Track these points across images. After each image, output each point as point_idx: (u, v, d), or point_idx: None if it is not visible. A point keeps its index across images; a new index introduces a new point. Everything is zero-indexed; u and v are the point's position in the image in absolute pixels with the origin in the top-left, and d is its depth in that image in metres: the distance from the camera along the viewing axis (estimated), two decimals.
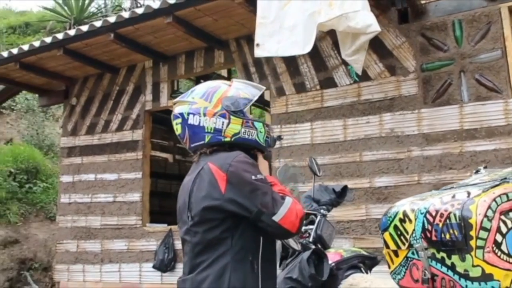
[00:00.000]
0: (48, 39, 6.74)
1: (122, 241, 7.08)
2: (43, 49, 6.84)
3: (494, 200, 1.97)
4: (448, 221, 2.03)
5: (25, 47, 6.96)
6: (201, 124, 2.22)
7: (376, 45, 5.67)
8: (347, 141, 5.74)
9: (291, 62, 6.15)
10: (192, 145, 2.27)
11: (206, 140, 2.22)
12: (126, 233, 7.08)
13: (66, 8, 16.95)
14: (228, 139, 2.22)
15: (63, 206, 7.79)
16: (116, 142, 7.45)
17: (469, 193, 2.07)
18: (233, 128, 2.22)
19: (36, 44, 6.87)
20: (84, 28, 6.43)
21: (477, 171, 2.44)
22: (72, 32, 6.54)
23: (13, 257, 9.71)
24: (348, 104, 5.79)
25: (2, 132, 14.30)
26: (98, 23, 6.34)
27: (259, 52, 4.96)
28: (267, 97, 6.71)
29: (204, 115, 2.22)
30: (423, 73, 5.44)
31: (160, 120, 9.71)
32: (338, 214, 5.25)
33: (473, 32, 5.27)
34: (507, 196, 1.98)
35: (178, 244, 6.54)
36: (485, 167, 2.47)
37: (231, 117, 2.23)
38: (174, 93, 7.40)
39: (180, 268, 6.42)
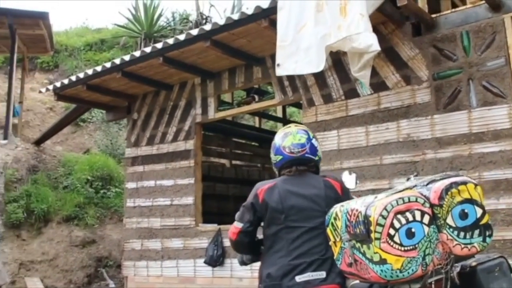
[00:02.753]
0: (108, 64, 7.73)
1: (178, 240, 7.95)
2: (104, 72, 7.85)
3: (390, 203, 2.51)
4: (358, 218, 2.61)
5: (90, 72, 7.98)
6: (317, 149, 3.41)
7: (393, 57, 6.22)
8: (369, 146, 6.31)
9: (319, 75, 6.75)
10: (306, 155, 3.33)
11: (316, 158, 3.38)
12: (182, 232, 7.94)
13: (137, 24, 18.09)
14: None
15: (129, 209, 8.78)
16: (172, 152, 8.33)
17: (376, 197, 2.66)
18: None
19: (98, 69, 7.87)
20: (137, 53, 7.35)
21: (408, 179, 3.00)
22: (127, 58, 7.47)
23: (91, 255, 10.86)
24: (369, 112, 6.36)
25: (83, 143, 15.66)
26: (148, 49, 7.23)
27: (279, 71, 5.65)
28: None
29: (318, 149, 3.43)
30: (435, 82, 5.93)
31: (218, 129, 10.57)
32: None
33: (479, 42, 5.72)
34: (403, 200, 2.52)
35: (226, 242, 7.32)
36: (415, 175, 3.01)
37: None
38: (220, 106, 8.17)
39: (228, 264, 7.27)
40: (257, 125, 12.84)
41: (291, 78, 7.04)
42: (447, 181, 2.60)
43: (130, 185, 8.84)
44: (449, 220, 2.55)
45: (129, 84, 8.44)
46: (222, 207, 10.24)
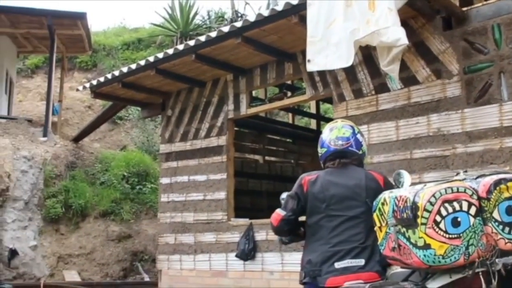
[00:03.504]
0: (142, 62, 7.91)
1: (211, 234, 8.08)
2: (139, 70, 8.03)
3: (439, 191, 2.61)
4: (406, 204, 2.71)
5: (125, 69, 8.17)
6: (362, 144, 3.53)
7: (424, 52, 6.20)
8: (399, 140, 6.31)
9: (350, 70, 6.77)
10: (350, 148, 3.46)
11: (360, 152, 3.51)
12: (214, 227, 8.07)
13: (173, 23, 18.35)
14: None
15: (163, 204, 8.96)
16: (205, 148, 8.46)
17: (425, 185, 2.76)
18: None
19: (133, 66, 8.07)
20: (170, 51, 7.50)
21: (457, 174, 3.04)
22: (160, 55, 7.63)
23: (126, 250, 11.11)
24: (400, 107, 6.35)
25: (119, 140, 15.98)
26: (180, 46, 7.37)
27: (310, 67, 5.70)
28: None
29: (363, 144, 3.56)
30: (465, 76, 5.89)
31: (251, 126, 10.67)
32: None
33: (511, 34, 5.66)
34: (452, 189, 2.61)
35: (257, 236, 7.43)
36: (465, 171, 3.08)
37: None
38: (252, 102, 8.26)
39: (259, 257, 7.35)
40: (290, 121, 12.91)
41: (322, 73, 7.08)
42: (496, 177, 2.69)
43: (164, 180, 9.01)
44: (495, 214, 2.63)
45: (163, 81, 8.60)
46: (255, 203, 10.35)
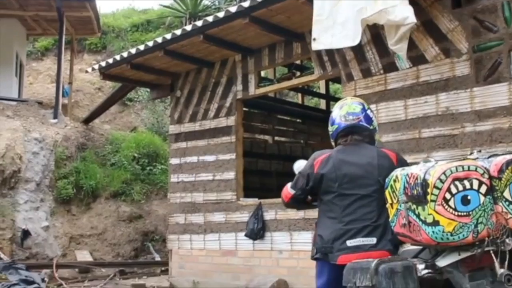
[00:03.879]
0: (150, 43, 7.92)
1: (220, 214, 8.14)
2: (147, 51, 8.05)
3: (450, 168, 2.63)
4: (416, 180, 2.72)
5: (133, 51, 8.19)
6: (373, 119, 3.53)
7: (432, 30, 6.15)
8: (407, 120, 6.30)
9: (358, 50, 6.74)
10: (361, 123, 3.46)
11: (371, 128, 3.51)
12: (224, 206, 8.13)
13: (182, 4, 18.29)
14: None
15: (173, 185, 9.02)
16: (214, 128, 8.49)
17: (436, 162, 2.77)
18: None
19: (141, 48, 8.08)
20: (178, 32, 7.50)
21: (471, 153, 3.05)
22: (168, 36, 7.64)
23: (137, 230, 11.23)
24: (408, 86, 6.33)
25: (130, 121, 16.06)
26: (188, 27, 7.37)
27: (315, 46, 5.70)
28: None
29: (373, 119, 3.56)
30: (475, 54, 5.85)
31: (261, 106, 10.68)
32: None
33: None
34: (463, 167, 2.63)
35: (266, 215, 7.48)
36: (478, 151, 3.08)
37: None
38: (261, 82, 8.25)
39: (268, 237, 7.41)
40: (300, 102, 12.89)
41: (330, 53, 7.05)
42: (509, 157, 2.70)
43: (174, 161, 9.07)
44: (506, 194, 2.65)
45: (172, 62, 8.61)
46: (264, 183, 10.39)
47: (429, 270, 2.89)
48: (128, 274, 9.99)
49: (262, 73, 10.21)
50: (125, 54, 8.41)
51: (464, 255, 2.70)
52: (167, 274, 9.08)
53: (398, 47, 5.45)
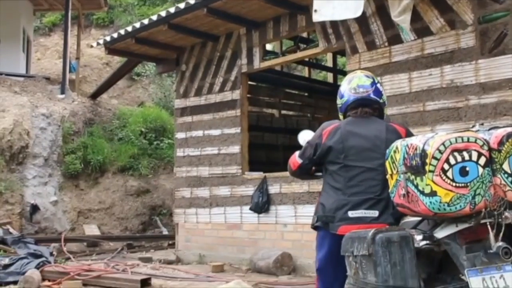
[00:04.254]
0: (154, 17, 7.88)
1: (226, 188, 8.18)
2: (151, 25, 8.03)
3: (449, 139, 2.61)
4: (415, 151, 2.71)
5: (137, 25, 8.16)
6: (382, 93, 3.52)
7: (438, 1, 6.06)
8: (412, 92, 6.26)
9: (362, 22, 6.68)
10: (371, 96, 3.44)
11: (381, 101, 3.49)
12: (229, 180, 8.16)
13: None
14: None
15: (179, 159, 9.06)
16: (219, 102, 8.48)
17: (436, 133, 2.77)
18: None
19: (146, 22, 8.05)
20: (181, 5, 7.45)
21: (473, 126, 3.02)
22: (172, 10, 7.59)
23: (145, 204, 11.32)
24: (413, 58, 6.27)
25: (138, 96, 16.07)
26: (192, 0, 7.31)
27: (316, 17, 5.65)
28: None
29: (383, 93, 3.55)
30: (480, 26, 5.77)
31: (267, 80, 10.65)
32: None
33: None
34: (462, 139, 2.61)
35: (271, 189, 7.50)
36: (481, 124, 3.05)
37: None
38: (265, 55, 8.21)
39: (273, 210, 7.45)
40: (307, 75, 12.83)
41: (334, 25, 6.99)
42: (510, 129, 2.68)
43: (180, 135, 9.09)
44: (505, 166, 2.63)
45: (177, 36, 8.58)
46: (270, 157, 10.41)
47: (427, 241, 2.89)
48: (136, 248, 10.10)
49: (270, 47, 10.17)
50: (129, 29, 8.39)
51: (461, 226, 2.69)
52: (174, 247, 9.17)
53: (401, 19, 5.39)
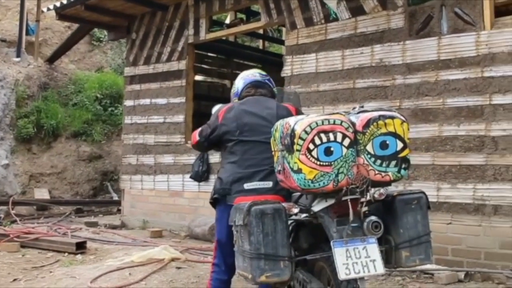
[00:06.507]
0: None
1: (170, 156, 8.36)
2: None
3: (316, 121, 2.81)
4: (287, 131, 2.92)
5: None
6: (274, 85, 3.89)
7: None
8: (344, 70, 6.46)
9: None
10: (266, 81, 3.83)
11: (274, 90, 3.87)
12: (173, 149, 8.34)
13: None
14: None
15: (127, 126, 9.20)
16: (166, 71, 8.60)
17: (308, 115, 2.96)
18: None
19: None
20: None
21: (353, 108, 3.23)
22: None
23: (97, 170, 11.45)
24: (347, 36, 6.46)
25: (98, 61, 15.99)
26: None
27: None
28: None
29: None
30: (409, 8, 5.97)
31: (220, 50, 10.74)
32: None
33: None
34: (329, 121, 2.81)
35: (212, 158, 7.68)
36: (361, 107, 3.25)
37: None
38: (212, 27, 8.32)
39: (213, 179, 7.58)
40: (261, 47, 12.95)
41: (276, 0, 7.13)
42: (376, 113, 2.87)
43: (128, 103, 9.21)
44: (369, 147, 2.84)
45: (126, 5, 8.62)
46: None
47: (306, 214, 3.14)
48: (85, 212, 10.27)
49: (227, 19, 10.23)
50: None
51: (330, 202, 2.93)
52: None
53: None
